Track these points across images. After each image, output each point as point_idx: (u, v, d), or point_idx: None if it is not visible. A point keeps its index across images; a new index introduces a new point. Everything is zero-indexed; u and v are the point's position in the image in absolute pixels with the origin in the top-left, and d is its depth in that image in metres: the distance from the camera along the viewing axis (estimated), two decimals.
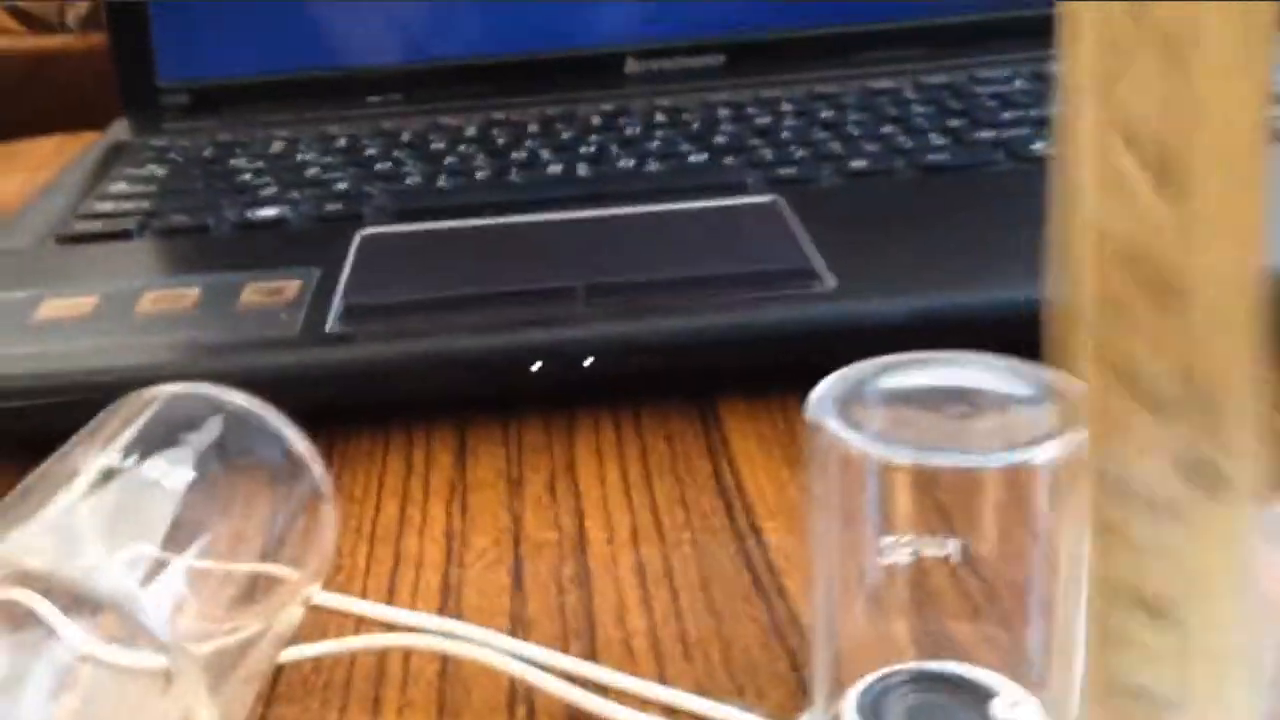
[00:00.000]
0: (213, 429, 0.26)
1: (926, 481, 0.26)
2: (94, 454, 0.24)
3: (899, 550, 0.27)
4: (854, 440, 0.25)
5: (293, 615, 0.27)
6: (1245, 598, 0.18)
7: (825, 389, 0.27)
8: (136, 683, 0.27)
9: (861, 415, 0.26)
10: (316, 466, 0.27)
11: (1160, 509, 0.17)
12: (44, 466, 0.24)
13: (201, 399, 0.27)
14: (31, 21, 1.36)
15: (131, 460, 0.24)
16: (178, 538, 0.24)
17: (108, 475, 0.24)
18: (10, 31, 1.35)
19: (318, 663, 0.33)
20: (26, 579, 0.26)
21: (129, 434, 0.25)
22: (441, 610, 0.35)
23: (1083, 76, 0.15)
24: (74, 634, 0.27)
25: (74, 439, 0.25)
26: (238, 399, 0.27)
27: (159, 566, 0.23)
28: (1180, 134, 0.14)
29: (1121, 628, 0.18)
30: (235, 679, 0.24)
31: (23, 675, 0.25)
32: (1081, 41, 0.14)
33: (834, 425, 0.26)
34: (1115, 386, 0.17)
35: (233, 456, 0.27)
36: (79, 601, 0.27)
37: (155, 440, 0.25)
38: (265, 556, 0.26)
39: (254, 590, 0.26)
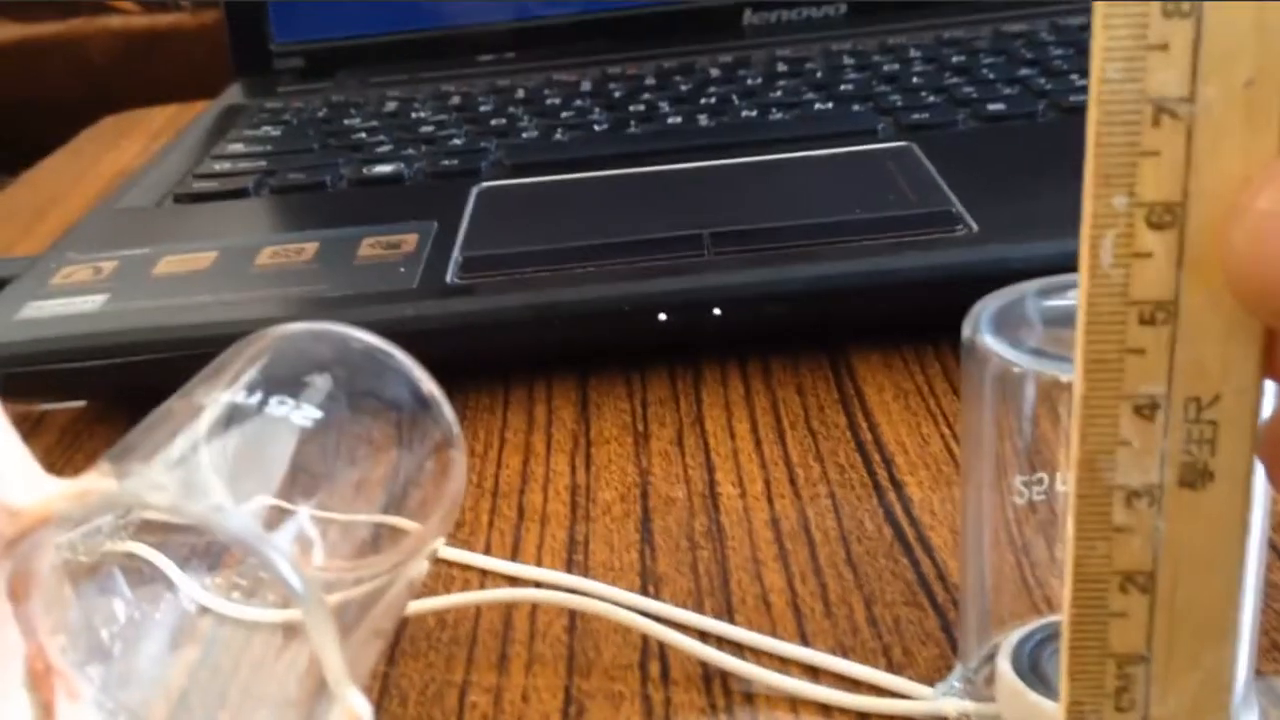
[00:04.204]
0: (339, 368, 0.25)
1: None
2: (217, 391, 0.23)
3: (1054, 487, 0.25)
4: (1012, 356, 0.23)
5: (419, 567, 0.25)
6: (1224, 574, 0.20)
7: (982, 308, 0.25)
8: (257, 636, 0.26)
9: (1020, 335, 0.24)
10: (447, 409, 0.26)
11: (1143, 496, 0.20)
12: (167, 403, 0.23)
13: (327, 337, 0.26)
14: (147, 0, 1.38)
15: (256, 398, 0.23)
16: (302, 481, 0.23)
17: (231, 413, 0.23)
18: (127, 11, 1.37)
19: (442, 617, 0.32)
20: (147, 529, 0.25)
21: (253, 372, 0.24)
22: (569, 566, 0.33)
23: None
24: (192, 586, 0.26)
25: (197, 376, 0.24)
26: (365, 337, 0.26)
27: (284, 511, 0.22)
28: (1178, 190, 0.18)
29: (1098, 598, 0.21)
30: (362, 631, 0.23)
31: (142, 627, 0.24)
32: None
33: (992, 342, 0.24)
34: (1106, 388, 0.19)
35: (359, 397, 0.25)
36: (197, 554, 0.26)
37: (280, 378, 0.24)
38: (392, 503, 0.25)
39: (380, 539, 0.25)
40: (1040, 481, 0.26)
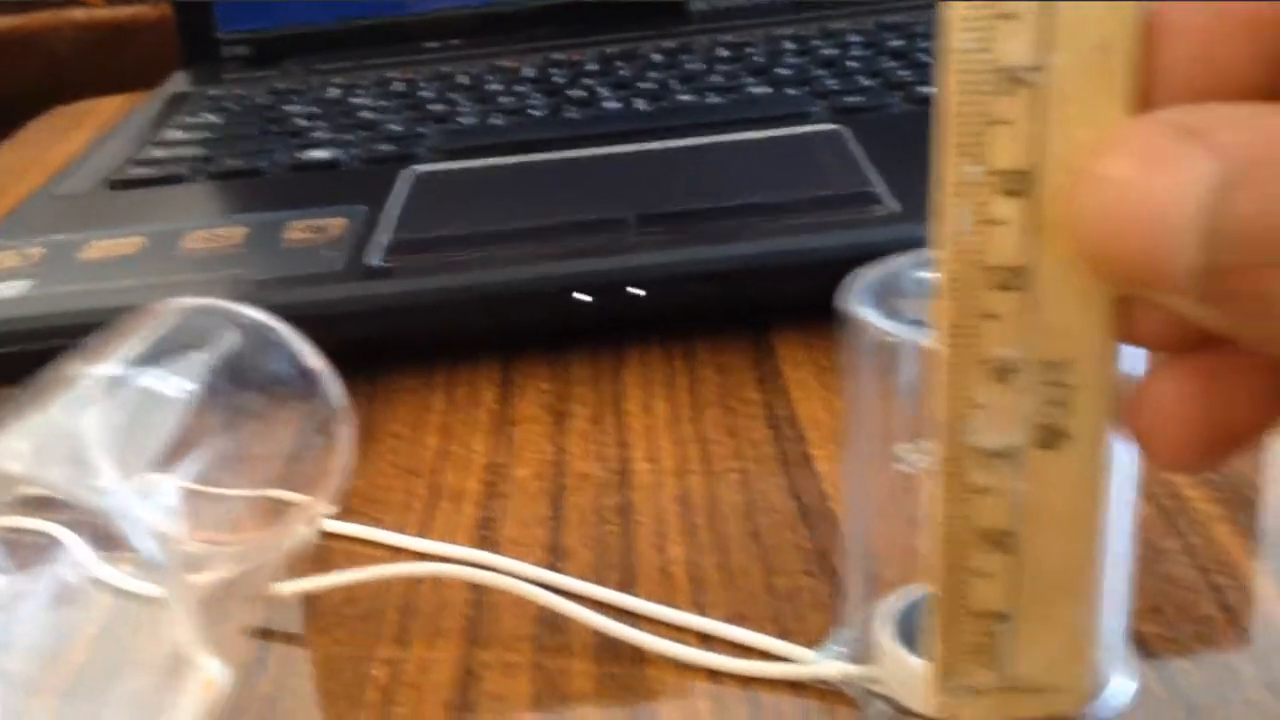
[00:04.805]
0: (224, 343, 0.25)
1: None
2: (93, 364, 0.23)
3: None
4: (889, 327, 0.24)
5: (300, 537, 0.26)
6: (1082, 533, 0.21)
7: (860, 280, 0.25)
8: (139, 605, 0.26)
9: (899, 307, 0.24)
10: (332, 383, 0.26)
11: (1002, 458, 0.20)
12: (42, 376, 0.24)
13: (214, 312, 0.26)
14: None
15: (129, 370, 0.23)
16: (180, 453, 0.23)
17: (104, 384, 0.23)
18: (89, 3, 1.37)
19: (348, 593, 0.32)
20: (41, 505, 0.26)
21: (134, 345, 0.24)
22: (479, 542, 0.34)
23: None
24: (77, 558, 0.26)
25: (77, 350, 0.25)
26: (252, 313, 0.26)
27: (155, 481, 0.22)
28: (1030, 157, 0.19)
29: (960, 557, 0.21)
30: (235, 600, 0.23)
31: (22, 596, 0.24)
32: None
33: (869, 314, 0.24)
34: (964, 352, 0.20)
35: (244, 372, 0.26)
36: (87, 525, 0.27)
37: (162, 352, 0.24)
38: (274, 475, 0.25)
39: (261, 511, 0.25)
40: (919, 449, 0.26)
